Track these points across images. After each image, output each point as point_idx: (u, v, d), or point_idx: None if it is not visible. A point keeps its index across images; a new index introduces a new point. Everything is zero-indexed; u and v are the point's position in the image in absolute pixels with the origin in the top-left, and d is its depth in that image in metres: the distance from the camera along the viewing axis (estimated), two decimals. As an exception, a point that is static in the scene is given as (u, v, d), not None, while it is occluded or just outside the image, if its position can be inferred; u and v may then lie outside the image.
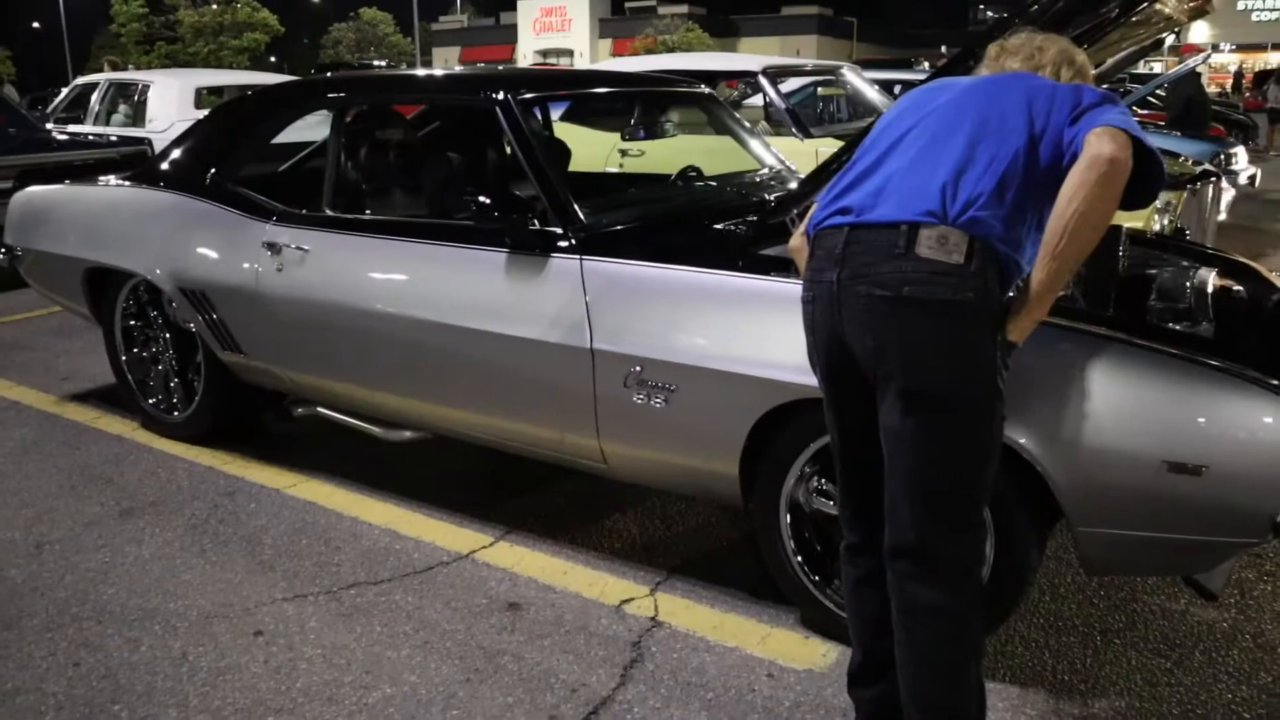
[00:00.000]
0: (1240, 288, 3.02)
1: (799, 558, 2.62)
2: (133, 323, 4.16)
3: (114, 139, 8.14)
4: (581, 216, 2.86)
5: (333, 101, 3.55)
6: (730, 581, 2.93)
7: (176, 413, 4.04)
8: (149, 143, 8.01)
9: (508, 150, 4.30)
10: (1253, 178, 9.44)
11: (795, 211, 2.75)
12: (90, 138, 8.18)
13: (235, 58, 39.12)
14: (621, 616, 2.76)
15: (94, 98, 9.81)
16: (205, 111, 9.08)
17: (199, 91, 9.33)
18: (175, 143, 3.97)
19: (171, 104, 8.91)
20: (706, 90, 3.99)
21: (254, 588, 2.92)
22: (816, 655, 2.57)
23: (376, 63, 29.70)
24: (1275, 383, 2.13)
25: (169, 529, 3.30)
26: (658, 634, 2.67)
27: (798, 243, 2.09)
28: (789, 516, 2.61)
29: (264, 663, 2.56)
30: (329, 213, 3.41)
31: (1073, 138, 1.79)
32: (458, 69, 4.25)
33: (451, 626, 2.71)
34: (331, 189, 3.45)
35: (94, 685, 2.47)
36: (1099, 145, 1.71)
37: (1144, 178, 1.76)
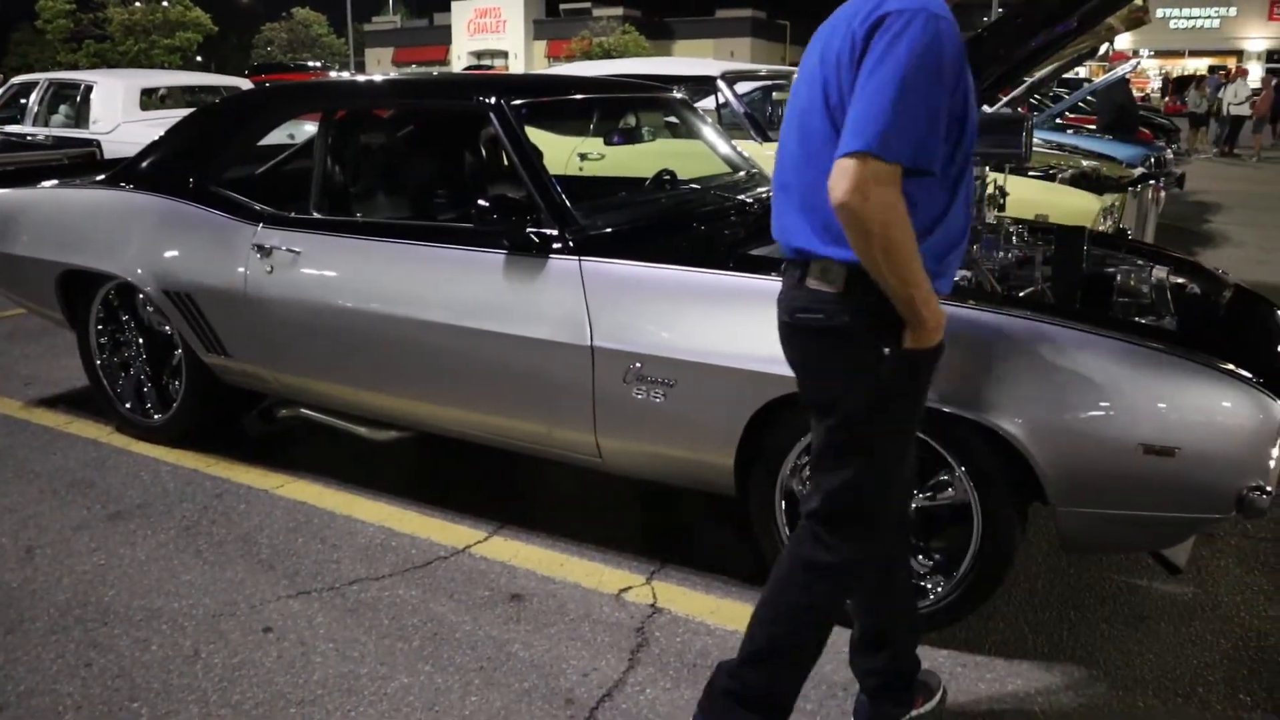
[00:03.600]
0: (1192, 284, 3.23)
1: (794, 543, 2.75)
2: (100, 327, 4.15)
3: (48, 139, 8.01)
4: (578, 218, 2.96)
5: (319, 105, 3.60)
6: (722, 568, 3.04)
7: (156, 416, 4.04)
8: (97, 144, 7.90)
9: (484, 153, 4.40)
10: (1180, 179, 9.85)
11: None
12: (39, 138, 8.03)
13: (167, 57, 38.28)
14: (622, 604, 2.86)
15: (32, 98, 9.60)
16: (151, 113, 8.98)
17: (144, 92, 9.18)
18: (155, 145, 3.97)
19: (117, 105, 8.75)
20: (681, 95, 4.11)
21: (256, 586, 2.96)
22: (813, 636, 2.70)
23: (311, 64, 29.29)
24: (1238, 370, 2.32)
25: (161, 531, 3.32)
26: (659, 620, 2.78)
27: None
28: (784, 504, 2.73)
29: (277, 658, 2.61)
30: (318, 215, 3.45)
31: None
32: (436, 72, 4.30)
33: (458, 618, 2.79)
34: (319, 191, 3.49)
35: (109, 685, 2.50)
36: (831, 189, 1.71)
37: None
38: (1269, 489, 2.28)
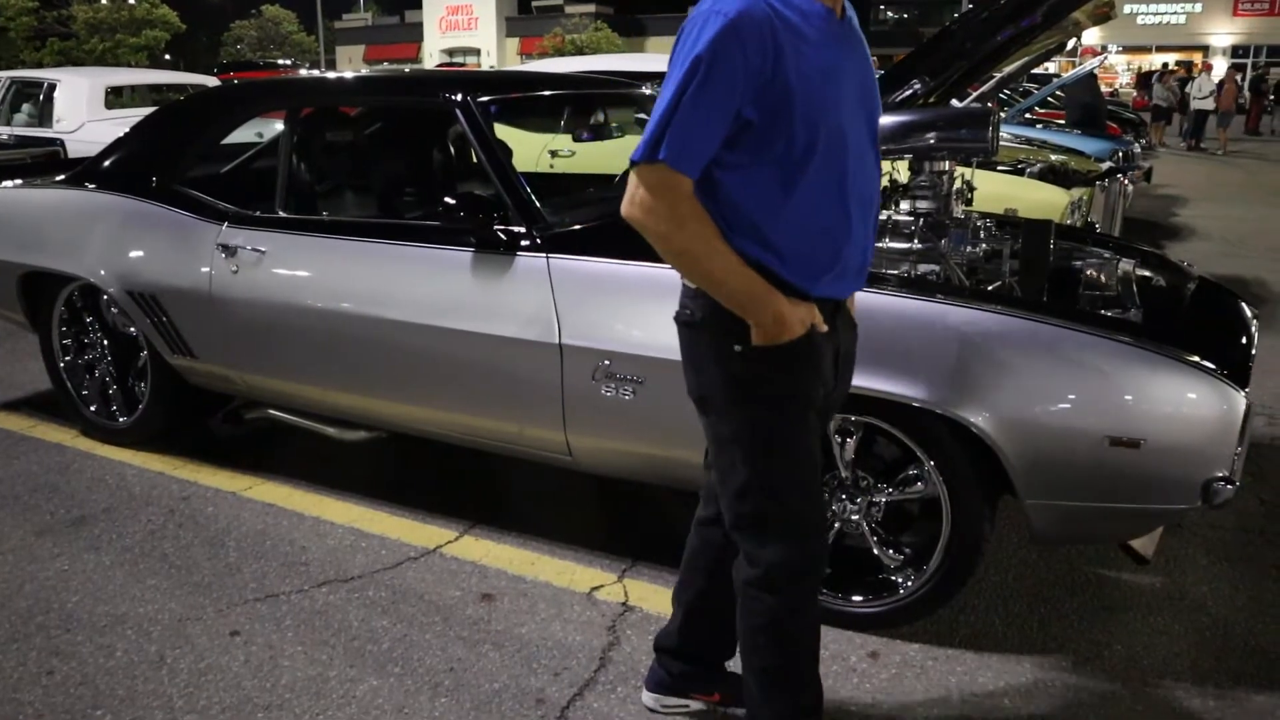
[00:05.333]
0: (1158, 276, 3.26)
1: (765, 540, 2.74)
2: (64, 329, 4.09)
3: (10, 138, 7.90)
4: (545, 215, 2.94)
5: (285, 103, 3.56)
6: (694, 566, 3.03)
7: (122, 419, 3.98)
8: (60, 144, 7.79)
9: (453, 151, 4.37)
10: (1148, 173, 9.94)
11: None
12: (1, 138, 7.92)
13: (134, 55, 37.79)
14: (594, 603, 2.85)
15: (-7, 97, 9.47)
16: (116, 112, 8.87)
17: (109, 90, 9.07)
18: (117, 144, 3.91)
19: (81, 103, 8.64)
20: (650, 91, 4.09)
21: (223, 589, 2.93)
22: (784, 632, 2.69)
23: (281, 61, 29.03)
24: (1202, 361, 2.33)
25: (126, 535, 3.27)
26: (631, 618, 2.77)
27: None
28: (754, 500, 2.72)
29: (244, 662, 2.58)
30: (284, 214, 3.41)
31: None
32: (409, 69, 4.27)
33: (428, 619, 2.76)
34: (284, 190, 3.45)
35: (71, 692, 2.46)
36: (625, 197, 1.76)
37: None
38: (1233, 479, 2.30)
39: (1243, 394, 2.33)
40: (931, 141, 3.08)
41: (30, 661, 2.59)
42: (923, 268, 2.93)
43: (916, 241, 3.02)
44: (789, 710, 2.02)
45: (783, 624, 1.97)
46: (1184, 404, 2.32)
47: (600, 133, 4.05)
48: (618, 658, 2.58)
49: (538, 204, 2.97)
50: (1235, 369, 2.39)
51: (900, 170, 3.46)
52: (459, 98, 3.12)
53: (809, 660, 2.03)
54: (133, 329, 3.83)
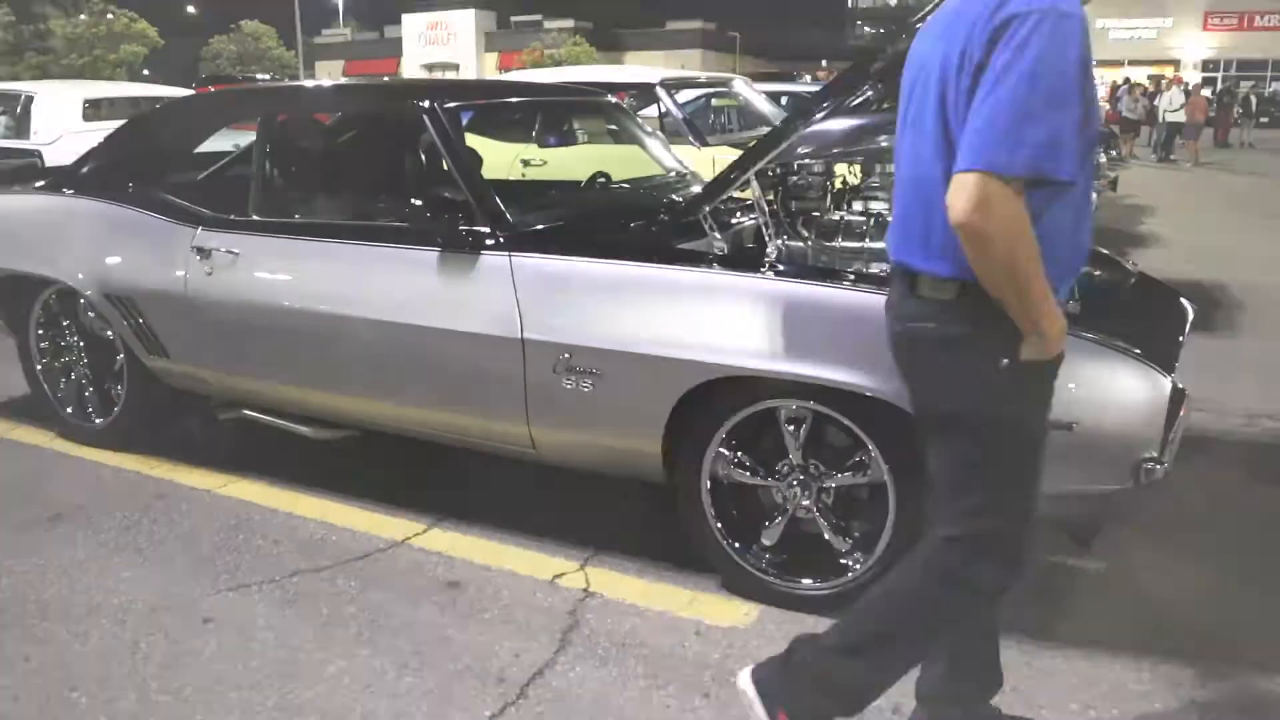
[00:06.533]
0: (1101, 272, 3.39)
1: (719, 525, 2.85)
2: (41, 332, 4.16)
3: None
4: (509, 216, 3.05)
5: (259, 110, 3.66)
6: (654, 554, 3.14)
7: (98, 420, 4.06)
8: (39, 155, 7.86)
9: (423, 156, 4.47)
10: (1114, 183, 10.13)
11: (707, 209, 3.00)
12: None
13: (113, 71, 37.75)
14: (556, 590, 2.94)
15: (-30, 109, 9.50)
16: (95, 124, 8.92)
17: (87, 103, 9.13)
18: (95, 151, 4.00)
19: (59, 115, 8.71)
20: (614, 100, 4.22)
21: (197, 580, 3.01)
22: (739, 614, 2.80)
23: (260, 76, 29.10)
24: (1130, 348, 2.46)
25: (102, 531, 3.35)
26: (591, 603, 2.87)
27: None
28: (709, 487, 2.83)
29: (217, 646, 2.66)
30: (257, 217, 3.51)
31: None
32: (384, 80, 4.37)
33: (395, 606, 2.85)
34: (258, 195, 3.55)
35: (49, 676, 2.54)
36: (950, 206, 1.65)
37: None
38: (1163, 460, 2.42)
39: (1169, 378, 2.44)
40: (884, 144, 3.20)
41: (7, 648, 2.66)
42: (875, 266, 3.04)
43: (869, 240, 3.15)
44: (861, 678, 1.99)
45: (934, 624, 1.96)
46: (1113, 388, 2.43)
47: (565, 138, 4.17)
48: (577, 640, 2.68)
49: (501, 205, 3.07)
50: (1163, 355, 2.51)
51: (854, 172, 3.59)
52: (427, 104, 3.22)
53: (918, 656, 2.05)
54: (109, 332, 3.91)
